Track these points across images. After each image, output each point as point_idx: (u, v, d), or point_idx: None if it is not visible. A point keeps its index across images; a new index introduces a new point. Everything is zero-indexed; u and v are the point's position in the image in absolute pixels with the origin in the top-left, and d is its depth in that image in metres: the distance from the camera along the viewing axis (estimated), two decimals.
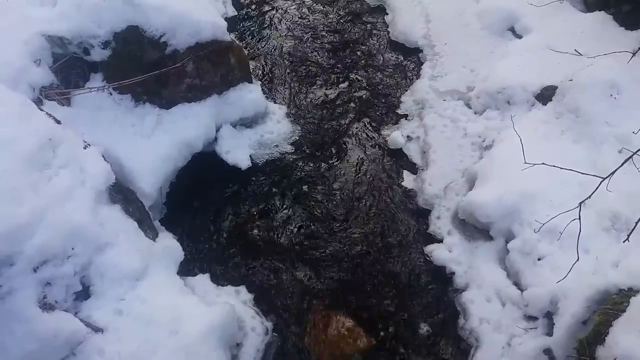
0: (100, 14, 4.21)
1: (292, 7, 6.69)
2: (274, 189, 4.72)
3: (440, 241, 4.27)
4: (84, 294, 3.15)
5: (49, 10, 4.28)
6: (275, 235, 4.37)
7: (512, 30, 5.79)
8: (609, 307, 3.14)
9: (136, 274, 3.32)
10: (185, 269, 3.96)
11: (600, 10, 5.45)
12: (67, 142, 3.38)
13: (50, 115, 3.52)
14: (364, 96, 5.60)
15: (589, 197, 2.69)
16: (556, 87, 4.70)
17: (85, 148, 3.53)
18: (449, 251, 4.15)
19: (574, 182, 3.66)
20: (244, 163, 4.80)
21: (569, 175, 2.95)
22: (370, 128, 5.30)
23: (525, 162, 2.80)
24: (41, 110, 3.52)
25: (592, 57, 4.49)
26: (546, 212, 3.76)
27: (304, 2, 6.77)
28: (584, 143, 4.27)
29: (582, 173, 2.78)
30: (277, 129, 5.17)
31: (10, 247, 2.82)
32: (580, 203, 2.68)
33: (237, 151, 4.87)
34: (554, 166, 2.77)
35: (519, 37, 5.68)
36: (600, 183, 2.62)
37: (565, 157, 4.08)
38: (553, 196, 3.92)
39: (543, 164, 2.76)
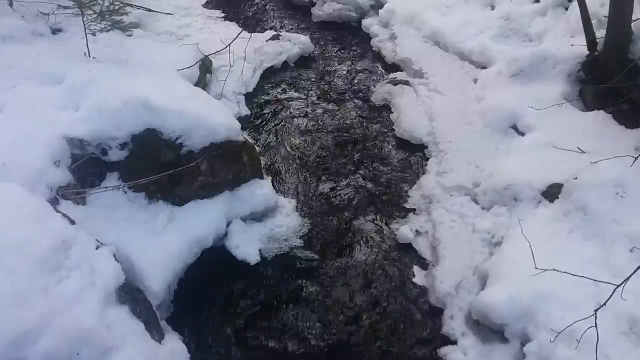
0: (119, 118, 4.43)
1: (302, 106, 7.01)
2: (282, 287, 4.66)
3: (455, 343, 4.12)
4: None
5: (72, 114, 4.51)
6: (284, 338, 4.24)
7: (514, 127, 5.94)
8: None
9: None
10: None
11: (599, 110, 5.60)
12: (79, 243, 3.42)
13: (65, 216, 3.61)
14: (371, 190, 5.69)
15: (604, 304, 2.65)
16: (562, 185, 4.75)
17: (97, 248, 3.57)
18: (464, 354, 3.99)
19: (588, 282, 3.54)
20: (252, 258, 4.80)
21: None
22: (378, 222, 5.33)
23: (536, 268, 2.79)
24: (57, 211, 3.61)
25: (595, 162, 4.49)
26: (561, 313, 3.70)
27: (313, 102, 7.12)
28: (594, 241, 4.24)
29: (595, 280, 2.75)
30: (287, 223, 5.22)
31: (16, 353, 2.78)
32: (596, 311, 2.64)
33: (247, 246, 4.88)
34: (565, 272, 2.75)
35: (522, 134, 5.82)
36: (614, 290, 2.60)
37: (576, 255, 4.06)
38: (567, 296, 3.83)
39: (554, 269, 2.75)
